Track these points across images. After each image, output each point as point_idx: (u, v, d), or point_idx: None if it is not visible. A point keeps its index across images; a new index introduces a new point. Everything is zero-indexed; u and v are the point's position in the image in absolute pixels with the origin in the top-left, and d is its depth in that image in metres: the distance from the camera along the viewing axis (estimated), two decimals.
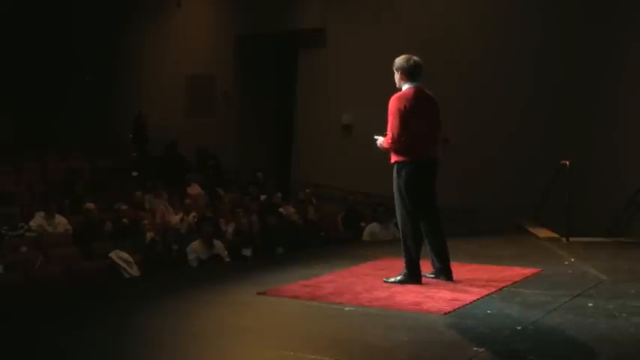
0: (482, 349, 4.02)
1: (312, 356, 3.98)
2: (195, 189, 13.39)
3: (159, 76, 17.62)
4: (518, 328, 4.49)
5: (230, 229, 10.89)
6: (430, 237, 5.84)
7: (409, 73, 5.77)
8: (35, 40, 17.49)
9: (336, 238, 11.64)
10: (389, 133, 5.73)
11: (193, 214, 11.35)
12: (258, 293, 5.58)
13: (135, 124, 16.73)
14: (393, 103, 5.71)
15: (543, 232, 9.45)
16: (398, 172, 5.75)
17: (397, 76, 5.83)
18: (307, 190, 13.61)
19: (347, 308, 5.07)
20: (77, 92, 18.57)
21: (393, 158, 5.78)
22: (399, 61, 5.82)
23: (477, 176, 12.37)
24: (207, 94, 16.91)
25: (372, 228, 10.61)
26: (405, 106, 5.66)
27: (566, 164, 9.17)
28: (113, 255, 9.15)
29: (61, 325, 4.88)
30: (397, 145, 5.68)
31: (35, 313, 5.32)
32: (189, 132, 16.72)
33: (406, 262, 5.79)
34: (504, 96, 12.62)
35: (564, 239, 8.76)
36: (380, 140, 5.89)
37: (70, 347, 4.35)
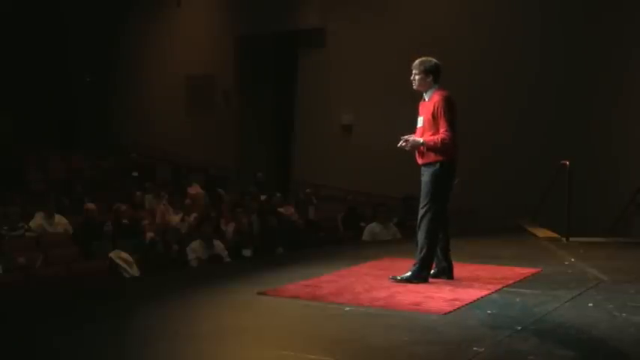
0: (482, 349, 4.02)
1: (312, 356, 3.97)
2: (195, 189, 13.40)
3: (159, 76, 17.62)
4: (519, 328, 4.48)
5: (230, 229, 10.89)
6: (440, 234, 5.88)
7: (438, 76, 5.86)
8: (35, 40, 17.48)
9: (336, 238, 11.63)
10: (442, 130, 5.71)
11: (193, 214, 11.35)
12: (258, 293, 5.57)
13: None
14: (445, 102, 5.74)
15: (543, 232, 9.45)
16: (434, 171, 5.76)
17: (428, 79, 5.82)
18: (307, 190, 13.61)
19: (347, 308, 5.06)
20: (77, 92, 18.57)
21: (432, 157, 5.75)
22: (429, 64, 5.82)
23: (477, 176, 12.36)
24: (207, 94, 16.91)
25: (372, 228, 10.59)
26: (452, 106, 5.76)
27: (566, 164, 9.16)
28: (113, 255, 9.13)
29: (60, 325, 4.87)
30: (449, 142, 5.71)
31: (35, 313, 5.31)
32: (189, 132, 16.75)
33: (422, 260, 5.78)
34: (505, 96, 12.63)
35: (564, 239, 8.75)
36: (413, 139, 5.81)
37: (70, 347, 4.35)
